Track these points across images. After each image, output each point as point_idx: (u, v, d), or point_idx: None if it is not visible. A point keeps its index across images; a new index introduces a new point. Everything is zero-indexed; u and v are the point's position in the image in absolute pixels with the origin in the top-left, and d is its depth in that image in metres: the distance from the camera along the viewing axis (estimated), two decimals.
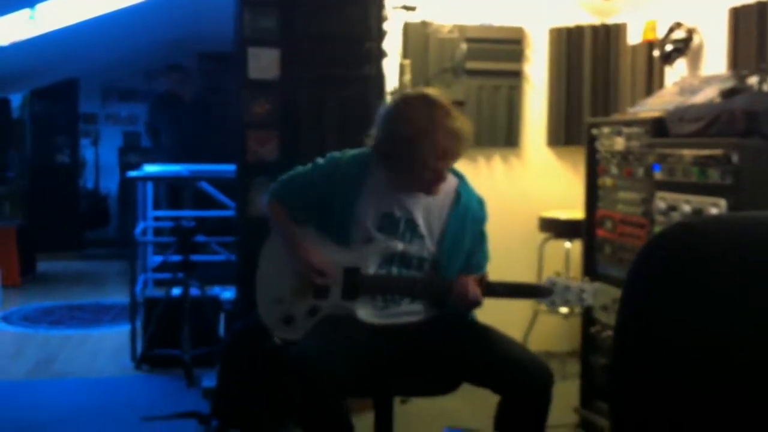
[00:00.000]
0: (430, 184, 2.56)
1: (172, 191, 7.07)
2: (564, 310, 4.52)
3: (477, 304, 2.57)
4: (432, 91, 2.63)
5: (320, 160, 2.73)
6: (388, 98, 4.05)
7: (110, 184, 9.74)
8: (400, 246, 2.63)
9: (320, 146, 3.62)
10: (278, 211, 2.74)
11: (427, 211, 2.64)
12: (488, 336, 2.60)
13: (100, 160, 9.78)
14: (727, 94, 3.04)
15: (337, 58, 3.95)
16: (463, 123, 2.51)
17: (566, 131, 4.87)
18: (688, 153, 2.85)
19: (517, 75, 4.89)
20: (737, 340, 1.02)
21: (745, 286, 1.01)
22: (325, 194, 2.65)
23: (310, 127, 3.95)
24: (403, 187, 2.61)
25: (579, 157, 3.91)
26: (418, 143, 2.45)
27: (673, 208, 2.90)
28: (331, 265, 2.62)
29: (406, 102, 2.57)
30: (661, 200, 2.97)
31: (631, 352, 1.11)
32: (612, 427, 1.19)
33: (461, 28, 4.75)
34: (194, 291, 4.54)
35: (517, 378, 2.47)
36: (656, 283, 1.07)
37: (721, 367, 1.03)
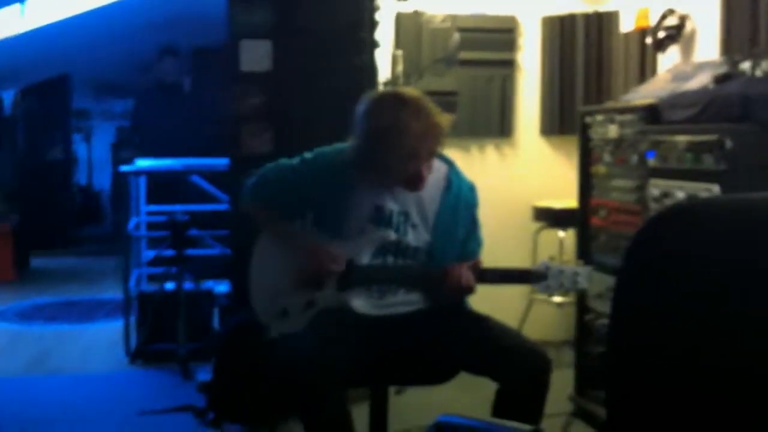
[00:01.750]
0: (410, 182, 2.54)
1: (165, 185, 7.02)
2: (558, 298, 4.52)
3: (470, 290, 2.56)
4: (406, 89, 2.61)
5: (308, 155, 2.70)
6: (377, 89, 4.03)
7: (103, 180, 9.71)
8: (393, 236, 2.62)
9: (314, 138, 3.61)
10: (264, 211, 2.71)
11: (419, 200, 2.63)
12: (485, 324, 2.60)
13: (93, 156, 9.74)
14: (720, 79, 3.03)
15: (330, 49, 3.93)
16: (436, 120, 2.46)
17: (560, 120, 4.86)
18: (681, 139, 2.84)
19: (510, 64, 4.88)
20: (732, 320, 1.01)
21: (740, 265, 1.00)
22: (313, 189, 2.63)
23: (304, 119, 3.93)
24: (389, 184, 2.59)
25: (572, 145, 3.90)
26: (387, 145, 2.42)
27: (666, 194, 2.89)
28: (340, 253, 2.60)
29: (376, 102, 2.52)
30: (655, 187, 2.96)
31: (626, 336, 1.10)
32: (607, 412, 1.18)
33: (454, 18, 4.74)
34: (188, 285, 4.53)
35: (516, 365, 2.46)
36: (651, 265, 1.06)
37: (716, 348, 1.02)
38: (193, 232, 4.66)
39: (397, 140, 2.40)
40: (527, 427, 1.32)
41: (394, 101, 2.47)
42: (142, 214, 5.63)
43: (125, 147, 9.27)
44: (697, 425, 1.06)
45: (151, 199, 5.83)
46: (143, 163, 5.51)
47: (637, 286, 1.08)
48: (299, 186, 2.65)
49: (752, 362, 1.01)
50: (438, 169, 2.62)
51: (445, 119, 2.50)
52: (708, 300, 1.03)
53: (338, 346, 2.45)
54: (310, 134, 3.82)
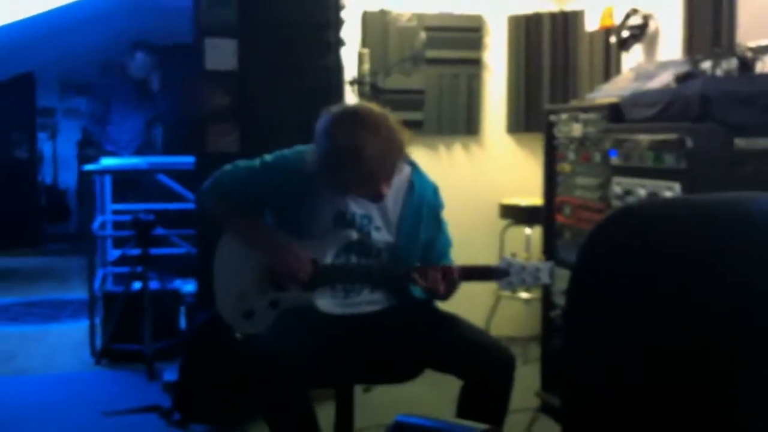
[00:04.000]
0: (370, 196, 2.54)
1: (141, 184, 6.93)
2: (525, 295, 4.56)
3: (444, 298, 2.58)
4: (367, 105, 2.58)
5: (268, 157, 2.68)
6: (343, 88, 4.03)
7: (69, 179, 9.60)
8: (356, 236, 2.62)
9: (280, 137, 3.60)
10: (230, 209, 2.69)
11: (382, 204, 2.62)
12: (450, 322, 2.62)
13: (59, 155, 9.63)
14: (682, 79, 3.06)
15: (296, 48, 3.93)
16: (396, 138, 2.44)
17: (526, 118, 4.90)
18: (643, 138, 2.87)
19: (476, 63, 4.90)
20: (670, 316, 1.03)
21: (679, 265, 1.03)
22: (274, 191, 2.61)
23: (270, 118, 3.92)
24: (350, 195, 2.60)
25: (538, 143, 3.93)
26: (345, 167, 2.40)
27: (629, 192, 2.92)
28: (308, 258, 2.59)
29: (334, 122, 2.45)
30: (618, 185, 2.99)
31: (575, 330, 1.12)
32: (562, 401, 1.20)
33: (420, 17, 4.75)
34: (154, 284, 4.50)
35: (480, 362, 2.48)
36: (598, 264, 1.08)
37: (653, 344, 1.05)
38: (159, 231, 4.63)
39: (355, 163, 2.37)
40: (484, 426, 1.33)
41: (352, 121, 2.42)
42: (108, 213, 5.57)
43: (90, 145, 9.17)
44: (649, 415, 1.08)
45: (128, 197, 5.78)
46: (108, 161, 5.46)
47: (588, 283, 1.10)
48: (259, 188, 2.63)
49: (698, 356, 1.04)
50: (401, 171, 2.62)
51: (406, 135, 2.48)
52: (653, 296, 1.05)
53: (303, 346, 2.45)
54: (276, 133, 3.81)
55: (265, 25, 3.93)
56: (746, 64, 2.97)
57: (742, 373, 1.18)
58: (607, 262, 1.09)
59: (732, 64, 3.00)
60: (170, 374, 3.96)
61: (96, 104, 7.28)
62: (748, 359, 1.35)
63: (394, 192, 2.62)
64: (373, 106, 2.52)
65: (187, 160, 4.36)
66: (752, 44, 3.18)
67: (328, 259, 2.61)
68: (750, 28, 3.33)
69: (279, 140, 2.83)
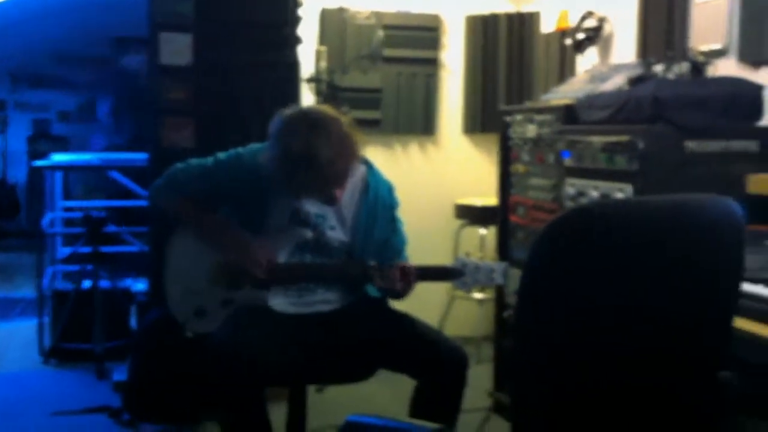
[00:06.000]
0: (323, 200, 2.53)
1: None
2: (479, 295, 4.58)
3: (400, 296, 2.57)
4: (321, 108, 2.56)
5: (222, 155, 2.65)
6: (300, 84, 4.00)
7: (19, 174, 9.42)
8: (311, 234, 2.60)
9: (235, 133, 3.57)
10: (184, 205, 2.66)
11: (337, 203, 2.61)
12: (404, 322, 2.62)
13: (8, 149, 9.45)
14: (635, 81, 3.09)
15: (252, 44, 3.89)
16: (348, 143, 2.42)
17: (482, 119, 4.92)
18: (596, 139, 2.89)
19: (433, 62, 4.91)
20: (618, 314, 1.05)
21: (628, 264, 1.04)
22: (229, 190, 2.58)
23: (225, 114, 3.88)
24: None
25: (494, 144, 3.95)
26: (297, 171, 2.38)
27: (582, 193, 2.94)
28: (266, 256, 2.56)
29: (287, 125, 2.43)
30: (571, 186, 3.01)
31: (526, 328, 1.13)
32: (512, 399, 1.21)
33: (378, 15, 4.75)
34: (104, 283, 4.43)
35: (433, 362, 2.49)
36: (549, 264, 1.09)
37: (601, 341, 1.06)
38: (111, 228, 4.56)
39: (307, 169, 2.36)
40: (434, 425, 1.34)
41: (306, 126, 2.39)
42: (58, 209, 5.47)
43: (42, 139, 9.02)
44: (597, 411, 1.10)
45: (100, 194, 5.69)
46: (59, 157, 5.36)
47: (538, 281, 1.11)
48: (212, 186, 2.60)
49: (646, 354, 1.05)
50: (357, 170, 2.61)
51: (360, 139, 2.47)
52: (602, 294, 1.06)
53: (256, 346, 2.43)
54: (232, 130, 3.78)
55: (220, 20, 3.89)
56: (698, 68, 3.02)
57: (686, 370, 1.20)
58: (558, 262, 1.10)
59: (684, 67, 3.04)
60: (120, 374, 3.91)
61: (80, 99, 7.12)
62: (694, 357, 1.38)
63: (349, 191, 2.61)
64: (328, 110, 2.50)
65: (141, 156, 4.31)
66: (704, 48, 3.23)
67: (283, 258, 2.60)
68: (702, 32, 3.38)
69: (234, 137, 2.80)
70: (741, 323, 1.70)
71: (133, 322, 4.48)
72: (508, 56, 4.86)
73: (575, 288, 1.08)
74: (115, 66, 7.10)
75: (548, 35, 4.61)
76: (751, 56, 3.08)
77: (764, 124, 2.84)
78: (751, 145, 2.71)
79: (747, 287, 1.83)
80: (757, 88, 2.84)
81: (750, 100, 2.84)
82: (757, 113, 2.83)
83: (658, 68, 3.11)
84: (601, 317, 1.08)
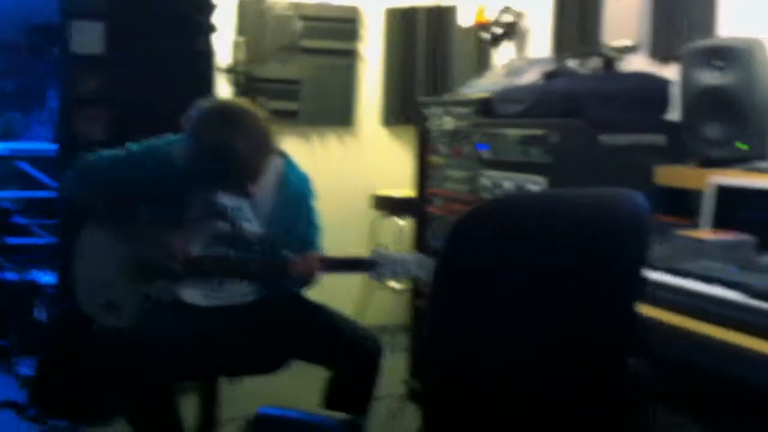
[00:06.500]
0: (239, 192, 2.51)
1: None
2: (396, 285, 4.59)
3: (312, 281, 2.56)
4: (237, 101, 2.55)
5: (134, 147, 2.60)
6: (215, 75, 3.94)
7: None
8: (227, 227, 2.58)
9: (149, 125, 3.49)
10: (96, 197, 2.59)
11: (254, 195, 2.58)
12: (317, 312, 2.63)
13: None
14: (549, 76, 3.15)
15: (166, 33, 3.81)
16: (263, 136, 2.42)
17: (401, 111, 4.94)
18: (512, 133, 2.93)
19: (352, 54, 4.90)
20: (520, 301, 1.07)
21: (528, 256, 1.06)
22: (141, 181, 2.53)
23: (139, 104, 3.79)
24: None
25: (413, 136, 3.97)
26: (212, 165, 2.37)
27: (497, 185, 2.98)
28: (180, 248, 2.52)
29: (203, 118, 2.41)
30: (487, 178, 3.05)
31: (434, 313, 1.15)
32: (423, 386, 1.23)
33: (297, 6, 4.70)
34: (10, 275, 4.29)
35: (346, 352, 2.51)
36: (454, 255, 1.11)
37: (504, 325, 1.08)
38: (18, 219, 4.42)
39: (222, 163, 2.35)
40: (343, 416, 1.34)
41: (221, 120, 2.38)
42: None
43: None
44: (503, 401, 1.12)
45: None
46: None
47: (449, 271, 1.13)
48: (125, 178, 2.54)
49: (553, 345, 1.07)
50: (273, 162, 2.59)
51: (275, 132, 2.46)
52: (506, 285, 1.08)
53: (167, 339, 2.41)
54: (146, 120, 3.68)
55: (133, 9, 3.80)
56: (610, 63, 3.09)
57: (593, 358, 1.23)
58: (465, 254, 1.12)
59: (597, 62, 3.11)
60: (27, 369, 3.79)
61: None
62: (600, 344, 1.41)
63: (265, 184, 2.59)
64: (244, 103, 2.50)
65: (50, 147, 4.18)
66: (616, 44, 3.30)
67: (198, 251, 2.56)
68: (615, 28, 3.45)
69: (148, 128, 2.73)
70: (648, 311, 1.75)
71: (41, 315, 4.35)
72: (427, 49, 4.88)
73: (482, 280, 1.11)
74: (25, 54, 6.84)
75: (466, 29, 4.65)
76: (661, 52, 3.16)
77: (672, 118, 2.92)
78: (660, 139, 2.79)
79: (654, 275, 1.88)
80: (666, 83, 2.93)
81: (659, 94, 2.92)
82: (666, 107, 2.92)
83: (572, 63, 3.17)
84: (507, 308, 1.10)
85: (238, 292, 2.64)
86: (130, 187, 2.55)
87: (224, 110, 2.43)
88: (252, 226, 2.60)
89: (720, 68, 2.53)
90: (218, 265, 2.60)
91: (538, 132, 2.76)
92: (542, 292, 1.12)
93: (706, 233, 2.22)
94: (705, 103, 2.58)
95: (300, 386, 3.33)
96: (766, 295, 1.62)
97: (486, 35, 4.31)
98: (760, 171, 2.39)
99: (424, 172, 3.66)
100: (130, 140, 2.64)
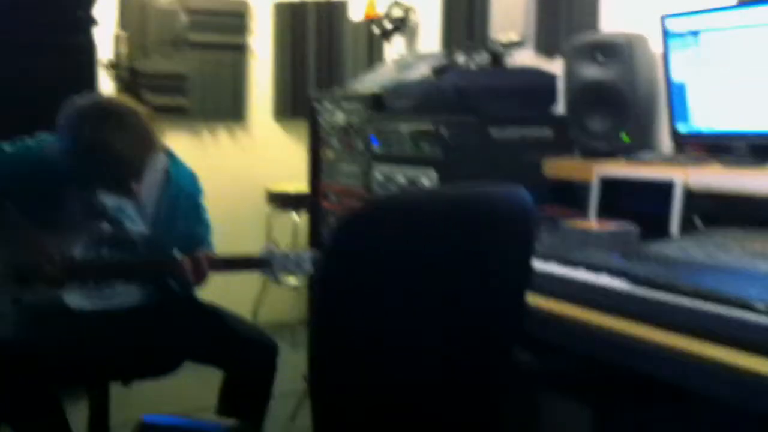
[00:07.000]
0: (120, 191, 2.43)
1: None
2: (294, 281, 4.56)
3: (202, 281, 2.49)
4: (115, 99, 2.45)
5: (5, 146, 2.45)
6: (97, 71, 3.80)
7: None
8: (108, 228, 2.48)
9: (22, 122, 3.32)
10: None
11: (137, 195, 2.50)
12: (208, 313, 2.58)
13: None
14: (438, 71, 3.16)
15: (42, 25, 3.64)
16: (144, 133, 2.32)
17: (292, 104, 4.90)
18: (403, 127, 2.94)
19: (241, 48, 4.83)
20: (404, 299, 1.07)
21: (412, 253, 1.07)
22: (14, 183, 2.40)
23: (12, 101, 3.60)
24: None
25: (305, 130, 3.93)
26: (90, 166, 2.28)
27: (389, 179, 2.98)
28: (56, 252, 2.40)
29: (78, 117, 2.29)
30: (379, 172, 3.04)
31: (321, 313, 1.15)
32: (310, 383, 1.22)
33: None
34: None
35: (240, 353, 2.48)
36: (339, 253, 1.11)
37: (388, 324, 1.08)
38: None
39: (100, 162, 2.25)
40: (231, 421, 1.31)
41: (99, 117, 2.27)
42: None
43: None
44: (393, 402, 1.11)
45: None
46: None
47: (334, 269, 1.13)
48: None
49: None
50: (156, 162, 2.50)
51: (158, 129, 2.38)
52: (387, 283, 1.08)
53: (51, 345, 2.31)
54: (19, 118, 3.50)
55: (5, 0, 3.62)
56: (497, 58, 3.13)
57: (480, 350, 1.24)
58: (349, 253, 1.12)
59: (484, 57, 3.14)
60: None
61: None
62: (487, 337, 1.42)
63: (149, 182, 2.50)
64: (123, 99, 2.40)
65: None
66: (503, 39, 3.35)
67: (78, 253, 2.46)
68: (502, 23, 3.51)
69: (21, 126, 2.59)
70: (534, 299, 1.78)
71: None
72: (318, 43, 4.86)
73: (366, 278, 1.11)
74: None
75: (356, 24, 4.64)
76: (546, 46, 3.23)
77: (557, 112, 2.98)
78: (547, 132, 2.84)
79: (540, 265, 1.91)
80: (552, 78, 2.98)
81: (546, 88, 2.98)
82: (553, 101, 2.98)
83: (460, 58, 3.20)
84: (392, 306, 1.10)
85: (125, 295, 2.56)
86: (3, 187, 2.42)
87: (102, 107, 2.32)
88: (136, 226, 2.52)
89: (602, 63, 2.60)
90: (99, 268, 2.50)
91: (430, 127, 2.77)
92: (427, 287, 1.13)
93: (592, 224, 2.27)
94: (588, 97, 2.65)
95: (198, 388, 3.26)
96: (649, 282, 1.67)
97: (377, 30, 4.31)
98: (642, 162, 2.47)
99: (317, 167, 3.63)
100: (3, 138, 2.51)
